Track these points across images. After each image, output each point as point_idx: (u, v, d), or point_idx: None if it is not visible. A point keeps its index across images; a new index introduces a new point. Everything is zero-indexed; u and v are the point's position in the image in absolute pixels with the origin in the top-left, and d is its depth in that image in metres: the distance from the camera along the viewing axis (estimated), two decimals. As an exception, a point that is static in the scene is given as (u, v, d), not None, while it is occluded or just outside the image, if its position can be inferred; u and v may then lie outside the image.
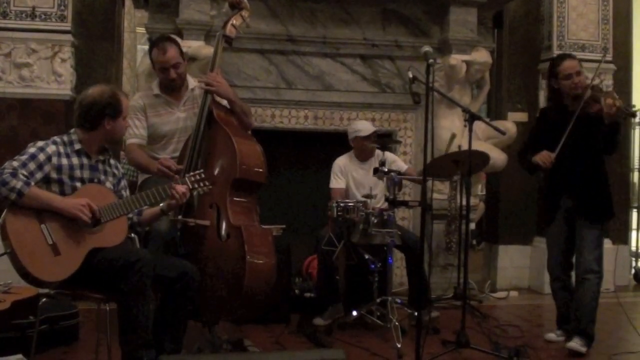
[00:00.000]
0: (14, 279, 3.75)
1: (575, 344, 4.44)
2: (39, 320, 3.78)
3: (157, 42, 4.37)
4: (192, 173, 3.62)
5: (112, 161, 3.67)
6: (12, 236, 3.20)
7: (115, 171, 3.67)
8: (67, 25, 5.84)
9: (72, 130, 3.54)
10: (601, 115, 4.34)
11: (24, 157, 3.33)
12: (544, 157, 4.53)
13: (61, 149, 3.43)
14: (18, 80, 5.79)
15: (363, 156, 5.39)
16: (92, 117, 3.48)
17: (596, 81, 4.61)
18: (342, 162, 5.43)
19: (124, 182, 3.71)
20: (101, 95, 3.50)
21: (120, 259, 3.29)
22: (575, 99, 4.52)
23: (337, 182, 5.37)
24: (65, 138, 3.50)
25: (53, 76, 5.82)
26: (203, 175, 3.59)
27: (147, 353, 3.28)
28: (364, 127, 5.37)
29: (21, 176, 3.24)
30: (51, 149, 3.40)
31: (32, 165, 3.31)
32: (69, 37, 5.85)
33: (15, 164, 3.29)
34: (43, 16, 5.80)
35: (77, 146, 3.48)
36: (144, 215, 3.64)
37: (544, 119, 4.85)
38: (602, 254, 4.57)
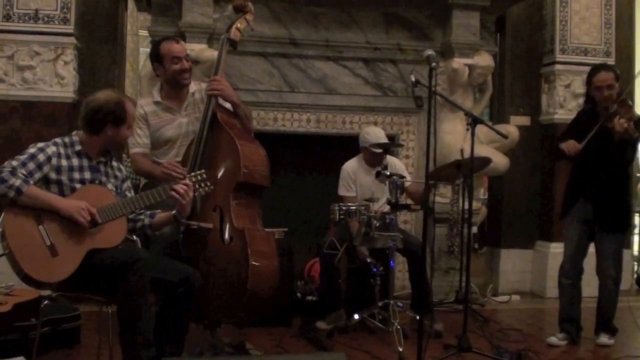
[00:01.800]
0: (15, 282, 3.75)
1: (604, 338, 4.80)
2: (40, 322, 3.78)
3: (164, 38, 4.36)
4: (193, 173, 3.62)
5: (114, 163, 3.66)
6: (9, 237, 3.21)
7: (118, 173, 3.66)
8: (70, 28, 5.85)
9: (74, 132, 3.55)
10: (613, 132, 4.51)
11: (23, 157, 3.34)
12: (569, 145, 4.69)
13: (61, 150, 3.44)
14: (21, 82, 5.80)
15: (372, 162, 5.33)
16: (96, 121, 3.48)
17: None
18: (350, 168, 5.36)
19: (127, 184, 3.70)
20: (107, 102, 3.49)
21: (119, 259, 3.29)
22: (604, 109, 4.66)
23: (347, 191, 5.32)
24: (67, 139, 3.51)
25: (56, 79, 5.83)
26: (204, 176, 3.59)
27: (147, 353, 3.28)
28: (375, 137, 5.27)
29: (20, 174, 3.25)
30: (51, 149, 3.41)
31: (31, 165, 3.32)
32: (72, 39, 5.87)
33: (14, 163, 3.30)
34: (46, 19, 5.82)
35: (78, 147, 3.49)
36: (156, 219, 3.62)
37: (577, 120, 4.95)
38: (620, 262, 4.79)
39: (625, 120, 4.49)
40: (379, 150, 5.21)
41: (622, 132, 4.45)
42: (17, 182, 3.22)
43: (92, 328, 4.57)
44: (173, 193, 3.46)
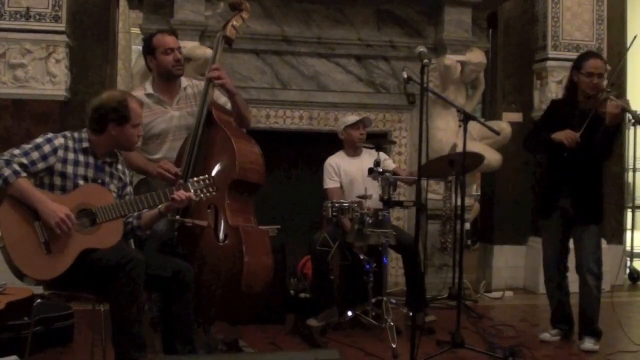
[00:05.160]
0: (8, 280, 3.74)
1: (589, 344, 4.57)
2: (33, 321, 3.78)
3: (157, 31, 4.42)
4: (196, 178, 3.58)
5: (119, 166, 3.65)
6: (4, 231, 3.22)
7: (122, 176, 3.65)
8: (61, 26, 5.83)
9: (84, 129, 3.54)
10: (604, 117, 4.42)
11: (28, 146, 3.35)
12: (568, 135, 4.50)
13: (70, 144, 3.44)
14: (12, 80, 5.77)
15: (353, 151, 5.43)
16: (98, 120, 3.48)
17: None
18: (333, 161, 5.43)
19: (129, 189, 3.68)
20: (108, 100, 3.49)
21: (112, 259, 3.28)
22: (588, 98, 4.57)
23: (331, 182, 5.36)
24: (76, 134, 3.51)
25: (47, 77, 5.81)
26: (209, 181, 3.56)
27: (139, 354, 3.28)
28: (345, 119, 5.52)
29: (15, 165, 3.25)
30: (59, 141, 3.41)
31: (34, 155, 3.33)
32: (64, 37, 5.84)
33: (16, 151, 3.31)
34: (37, 17, 5.79)
35: (85, 144, 3.49)
36: (143, 219, 3.61)
37: (553, 110, 4.87)
38: (600, 256, 4.66)
39: (619, 101, 4.42)
40: (363, 134, 5.37)
41: (618, 112, 4.37)
42: (7, 173, 3.22)
43: (85, 326, 4.57)
44: (175, 197, 3.45)
